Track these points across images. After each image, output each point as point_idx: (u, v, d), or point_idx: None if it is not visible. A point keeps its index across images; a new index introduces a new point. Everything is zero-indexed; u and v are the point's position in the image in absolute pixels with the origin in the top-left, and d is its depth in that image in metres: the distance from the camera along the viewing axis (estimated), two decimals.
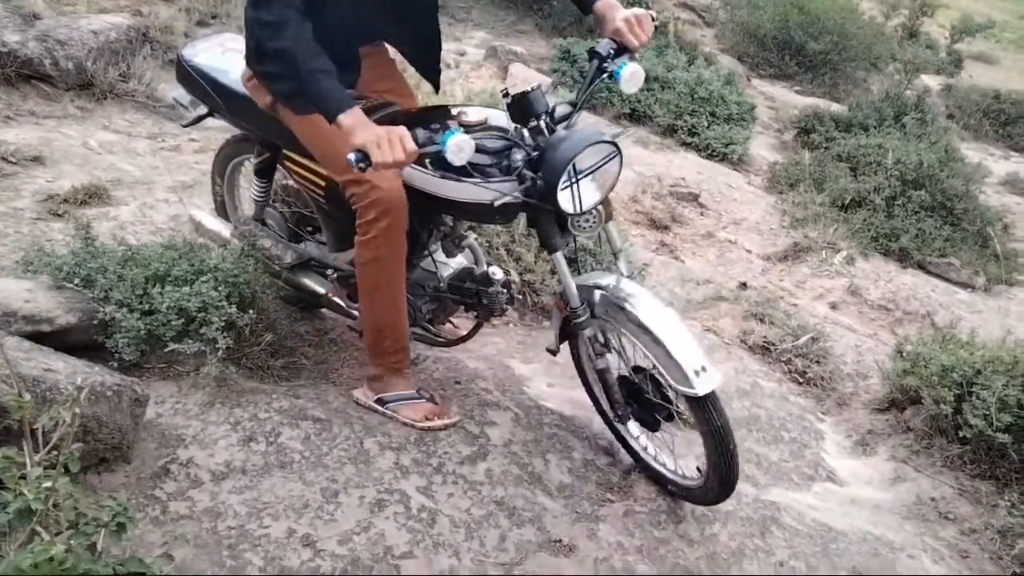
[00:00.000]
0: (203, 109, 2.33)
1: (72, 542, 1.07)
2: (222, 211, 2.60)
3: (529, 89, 1.79)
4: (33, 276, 1.99)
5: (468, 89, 4.79)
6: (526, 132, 1.80)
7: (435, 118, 1.77)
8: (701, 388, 1.75)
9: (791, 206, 4.97)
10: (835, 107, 7.18)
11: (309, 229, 2.44)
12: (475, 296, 2.17)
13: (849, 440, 2.73)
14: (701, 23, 11.74)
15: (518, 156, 1.81)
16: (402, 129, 1.61)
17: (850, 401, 2.96)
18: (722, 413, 1.82)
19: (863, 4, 12.38)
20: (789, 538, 2.12)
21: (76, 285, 1.97)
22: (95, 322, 1.92)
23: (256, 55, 1.84)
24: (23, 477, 1.10)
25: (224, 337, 1.97)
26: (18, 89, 3.54)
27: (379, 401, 2.13)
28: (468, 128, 1.81)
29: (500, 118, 1.92)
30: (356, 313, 2.23)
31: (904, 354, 2.80)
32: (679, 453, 2.14)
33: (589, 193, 1.78)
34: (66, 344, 1.86)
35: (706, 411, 1.80)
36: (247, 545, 1.63)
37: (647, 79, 1.95)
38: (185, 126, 2.50)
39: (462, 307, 2.28)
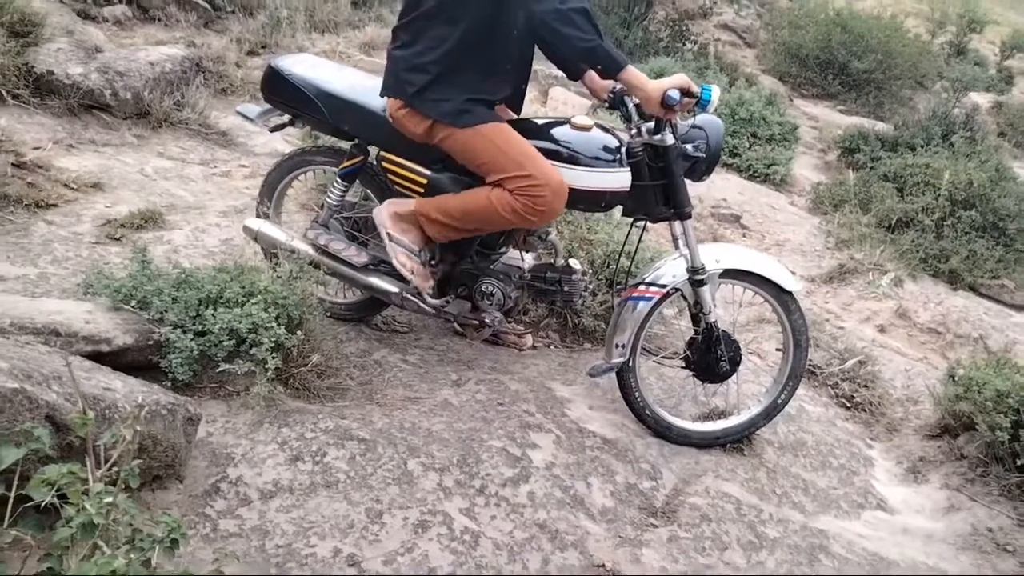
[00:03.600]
0: (284, 117, 2.54)
1: (131, 556, 1.11)
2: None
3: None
4: (93, 298, 2.07)
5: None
6: (644, 127, 2.16)
7: (554, 124, 2.25)
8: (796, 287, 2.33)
9: (836, 227, 4.89)
10: (880, 126, 7.07)
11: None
12: (556, 285, 2.42)
13: (900, 467, 2.66)
14: (742, 44, 11.70)
15: (636, 148, 2.17)
16: (683, 76, 2.05)
17: (900, 427, 2.89)
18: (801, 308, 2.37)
19: (908, 22, 12.20)
20: (838, 567, 2.07)
21: (133, 307, 2.04)
22: (150, 343, 1.99)
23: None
24: (86, 492, 1.15)
25: (273, 358, 2.02)
26: (80, 119, 3.69)
27: (388, 236, 2.33)
28: (580, 130, 2.20)
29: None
30: (429, 308, 2.41)
31: (956, 378, 2.72)
32: None
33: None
34: (123, 364, 1.93)
35: (791, 299, 2.33)
36: (294, 564, 1.66)
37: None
38: (272, 131, 2.67)
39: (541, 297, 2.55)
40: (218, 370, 2.03)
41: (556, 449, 2.23)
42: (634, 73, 2.03)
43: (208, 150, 3.91)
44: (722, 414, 2.57)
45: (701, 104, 2.09)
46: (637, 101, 2.17)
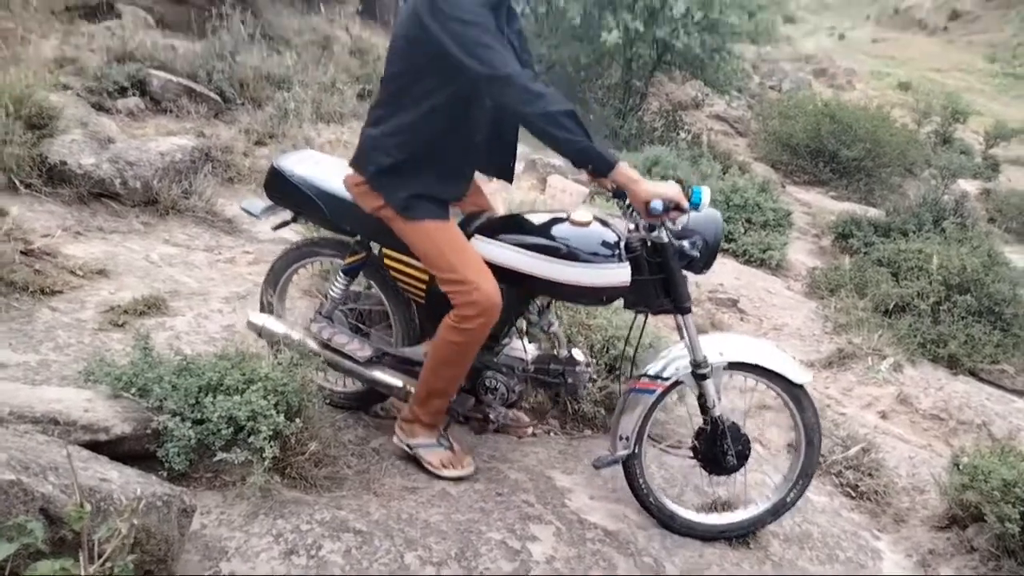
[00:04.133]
0: (287, 214, 2.59)
1: None
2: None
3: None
4: (93, 385, 2.07)
5: (509, 200, 4.96)
6: (641, 223, 2.17)
7: (553, 221, 2.26)
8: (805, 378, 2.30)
9: (833, 311, 4.93)
10: (872, 212, 7.22)
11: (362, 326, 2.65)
12: (560, 377, 2.41)
13: (909, 560, 2.59)
14: (734, 133, 12.10)
15: (634, 243, 2.19)
16: (675, 184, 2.08)
17: (907, 517, 2.83)
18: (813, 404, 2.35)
19: (894, 112, 12.64)
20: None
21: (133, 394, 2.04)
22: (148, 431, 1.98)
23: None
24: None
25: (271, 446, 2.00)
26: (89, 207, 3.78)
27: (409, 447, 2.40)
28: (579, 225, 2.21)
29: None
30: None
31: (961, 467, 2.69)
32: None
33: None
34: (120, 453, 1.91)
35: (803, 395, 2.30)
36: None
37: (683, 188, 2.22)
38: (275, 229, 2.72)
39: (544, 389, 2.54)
40: (215, 459, 2.00)
41: (556, 542, 2.18)
42: (624, 173, 2.04)
43: (213, 237, 3.98)
44: (726, 505, 2.52)
45: (692, 205, 2.11)
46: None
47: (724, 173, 7.44)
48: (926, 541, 2.65)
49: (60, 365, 2.50)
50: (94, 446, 1.84)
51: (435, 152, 2.18)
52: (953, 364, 4.37)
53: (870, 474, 2.98)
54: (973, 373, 4.37)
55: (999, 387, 4.27)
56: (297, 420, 2.12)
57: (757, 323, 4.74)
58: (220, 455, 1.99)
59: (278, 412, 2.06)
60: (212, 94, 5.64)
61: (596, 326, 3.16)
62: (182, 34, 7.07)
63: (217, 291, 3.33)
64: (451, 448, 2.42)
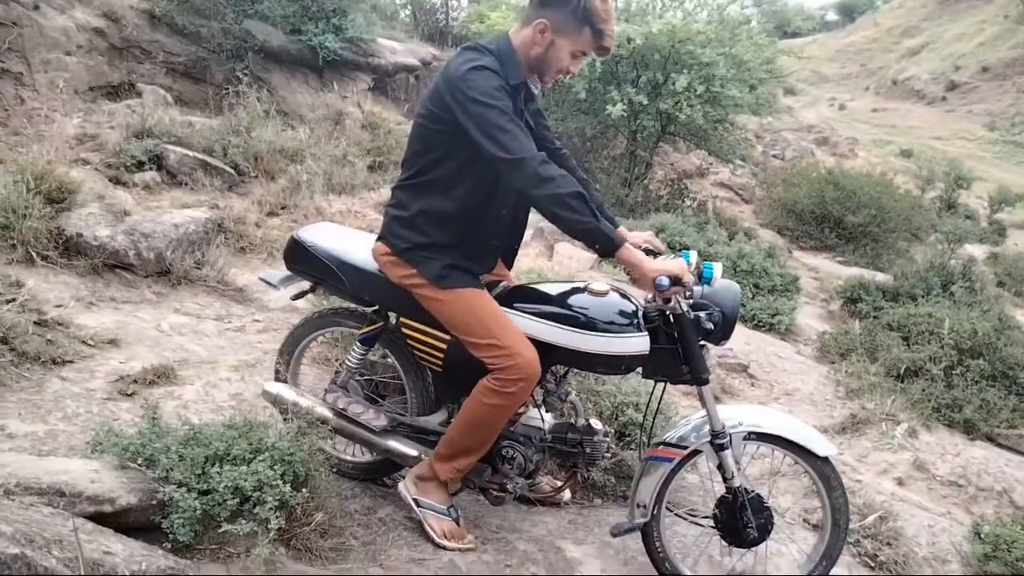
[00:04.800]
0: (305, 284, 2.62)
1: None
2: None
3: (649, 248, 2.41)
4: (100, 456, 2.07)
5: (518, 268, 5.02)
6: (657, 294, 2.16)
7: (572, 291, 2.29)
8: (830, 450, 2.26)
9: (844, 376, 4.89)
10: (880, 277, 7.23)
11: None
12: (578, 446, 2.41)
13: None
14: (739, 200, 12.25)
15: (652, 313, 2.23)
16: (681, 261, 2.15)
17: None
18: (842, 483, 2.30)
19: (897, 179, 12.79)
20: None
21: (139, 465, 2.03)
22: (154, 502, 1.96)
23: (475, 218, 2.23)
24: None
25: (276, 517, 1.98)
26: (103, 277, 3.85)
27: (415, 502, 2.39)
28: (596, 295, 2.26)
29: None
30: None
31: (983, 536, 2.62)
32: None
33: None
34: (125, 524, 1.89)
35: (831, 471, 2.26)
36: None
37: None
38: (293, 299, 2.72)
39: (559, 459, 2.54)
40: (220, 530, 1.98)
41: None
42: (629, 254, 2.08)
43: (224, 306, 4.03)
44: None
45: (704, 280, 2.16)
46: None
47: (730, 239, 7.50)
48: None
49: (68, 435, 2.51)
50: (99, 518, 1.83)
51: (467, 230, 2.25)
52: (969, 429, 4.29)
53: (889, 543, 2.89)
54: (990, 438, 4.28)
55: (1018, 452, 4.18)
56: (304, 490, 2.11)
57: (768, 388, 4.69)
58: (225, 526, 1.97)
59: (284, 482, 2.05)
60: (227, 168, 5.79)
61: (605, 392, 3.15)
62: (199, 111, 7.32)
63: (226, 359, 3.34)
64: (457, 521, 2.39)
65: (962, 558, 2.70)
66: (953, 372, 4.64)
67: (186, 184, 5.51)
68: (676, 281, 2.07)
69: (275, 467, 2.05)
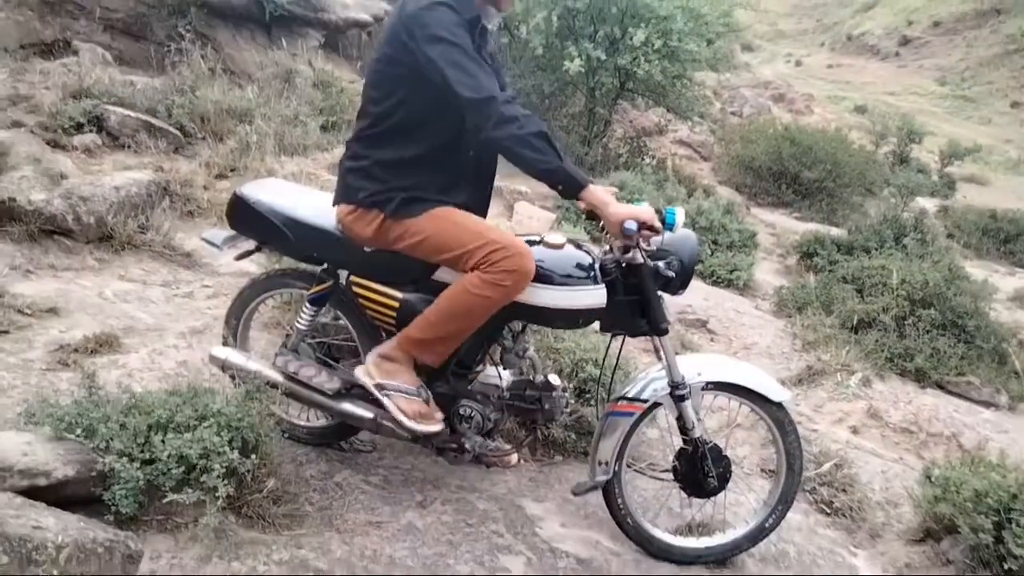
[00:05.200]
0: (249, 244, 2.48)
1: None
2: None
3: None
4: (35, 428, 1.97)
5: None
6: (615, 244, 2.15)
7: (527, 242, 2.16)
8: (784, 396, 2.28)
9: (801, 329, 4.95)
10: (835, 231, 7.33)
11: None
12: (536, 403, 2.34)
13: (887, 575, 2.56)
14: (698, 158, 12.28)
15: (609, 265, 2.17)
16: (648, 206, 2.06)
17: (883, 532, 2.80)
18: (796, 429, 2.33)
19: (852, 134, 12.94)
20: None
21: (77, 436, 1.94)
22: (93, 474, 1.88)
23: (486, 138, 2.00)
24: None
25: (225, 485, 1.91)
26: (40, 244, 3.66)
27: (379, 386, 2.20)
28: (552, 248, 2.17)
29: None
30: (406, 434, 2.28)
31: (933, 479, 2.68)
32: None
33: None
34: (62, 498, 1.81)
35: (784, 416, 2.28)
36: None
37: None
38: (237, 259, 2.59)
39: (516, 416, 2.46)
40: (165, 501, 1.91)
41: (527, 572, 2.11)
42: (595, 194, 2.02)
43: (171, 272, 3.88)
44: (702, 528, 2.48)
45: (666, 226, 2.10)
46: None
47: (689, 196, 7.51)
48: (902, 555, 2.62)
49: (3, 408, 2.39)
50: (33, 492, 1.74)
51: (432, 173, 2.14)
52: (921, 377, 4.40)
53: (844, 490, 2.95)
54: (940, 386, 4.40)
55: (966, 399, 4.30)
56: (253, 456, 2.05)
57: (727, 343, 4.73)
58: (171, 496, 1.90)
59: (232, 449, 1.98)
60: (172, 129, 5.54)
61: (564, 349, 3.12)
62: (141, 70, 6.99)
63: (174, 327, 3.23)
64: (427, 401, 2.24)
65: (913, 501, 2.76)
66: (905, 322, 4.74)
67: (129, 147, 5.26)
68: (644, 226, 2.02)
69: (222, 433, 1.98)
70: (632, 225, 1.99)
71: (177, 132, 5.56)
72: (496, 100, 1.93)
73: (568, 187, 2.01)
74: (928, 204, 11.58)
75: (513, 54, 9.18)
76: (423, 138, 2.11)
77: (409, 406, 2.19)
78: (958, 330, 4.75)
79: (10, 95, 5.34)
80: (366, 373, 2.24)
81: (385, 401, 2.20)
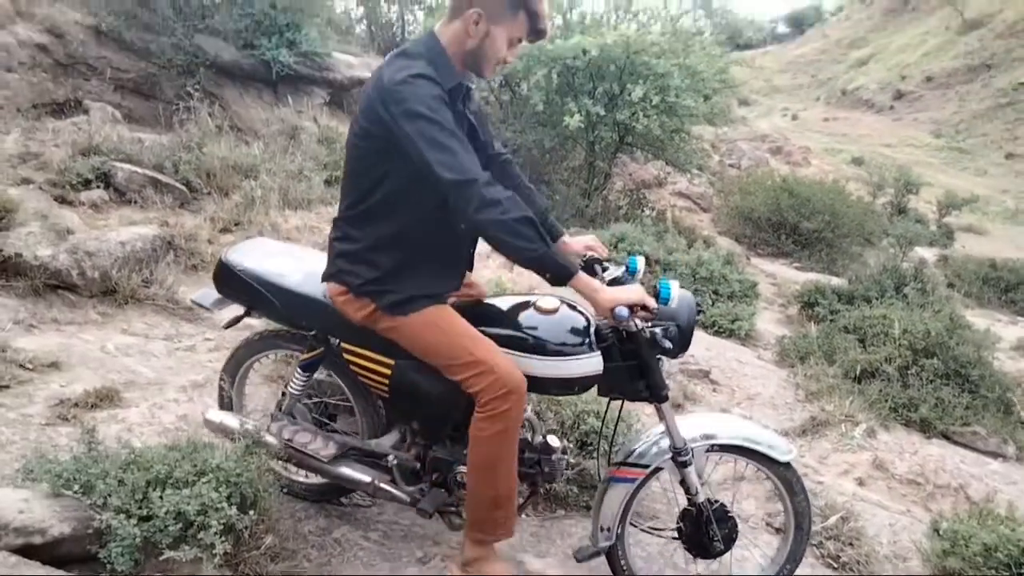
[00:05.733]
0: (239, 309, 2.46)
1: None
2: (227, 409, 2.61)
3: (593, 256, 2.35)
4: (32, 484, 1.96)
5: (479, 276, 4.97)
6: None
7: (519, 308, 2.20)
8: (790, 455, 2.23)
9: (804, 379, 4.93)
10: (835, 281, 7.35)
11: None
12: (536, 465, 2.28)
13: None
14: (697, 209, 12.40)
15: (605, 331, 2.14)
16: (639, 287, 2.04)
17: None
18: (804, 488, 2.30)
19: (849, 185, 13.09)
20: None
21: (75, 492, 1.93)
22: (90, 531, 1.86)
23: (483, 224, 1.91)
24: None
25: (222, 542, 1.89)
26: (44, 298, 3.70)
27: None
28: (545, 313, 2.15)
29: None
30: (403, 496, 2.28)
31: (941, 532, 2.64)
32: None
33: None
34: (58, 556, 1.79)
35: (793, 476, 2.25)
36: None
37: (649, 263, 2.22)
38: (226, 327, 2.57)
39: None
40: (162, 558, 1.89)
41: None
42: (584, 282, 1.96)
43: (173, 325, 3.90)
44: None
45: (660, 300, 2.03)
46: (607, 275, 2.20)
47: (689, 247, 7.56)
48: None
49: (0, 464, 2.38)
50: (28, 550, 1.72)
51: (421, 251, 2.09)
52: (926, 428, 4.36)
53: (851, 543, 2.90)
54: (946, 436, 4.36)
55: (973, 449, 4.26)
56: (251, 512, 2.03)
57: (730, 393, 4.71)
58: (168, 553, 1.88)
59: (230, 504, 1.96)
60: (178, 184, 5.64)
61: (565, 402, 3.11)
62: (149, 128, 7.15)
63: (175, 380, 3.23)
64: None
65: (922, 555, 2.72)
66: (908, 372, 4.72)
67: (135, 202, 5.36)
68: (637, 307, 1.97)
69: (220, 489, 1.96)
70: (623, 312, 1.93)
71: (183, 187, 5.66)
72: (477, 183, 1.85)
73: (556, 275, 1.93)
74: (927, 254, 11.64)
75: (514, 110, 9.37)
76: (410, 214, 2.05)
77: None
78: (962, 380, 4.73)
79: (21, 153, 5.46)
80: None
81: None
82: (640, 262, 2.18)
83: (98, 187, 5.27)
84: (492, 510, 2.11)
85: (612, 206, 9.59)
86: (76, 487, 1.94)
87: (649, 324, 2.09)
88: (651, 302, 2.00)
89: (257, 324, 3.42)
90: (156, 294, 4.04)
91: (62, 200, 4.98)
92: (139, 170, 5.47)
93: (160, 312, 3.98)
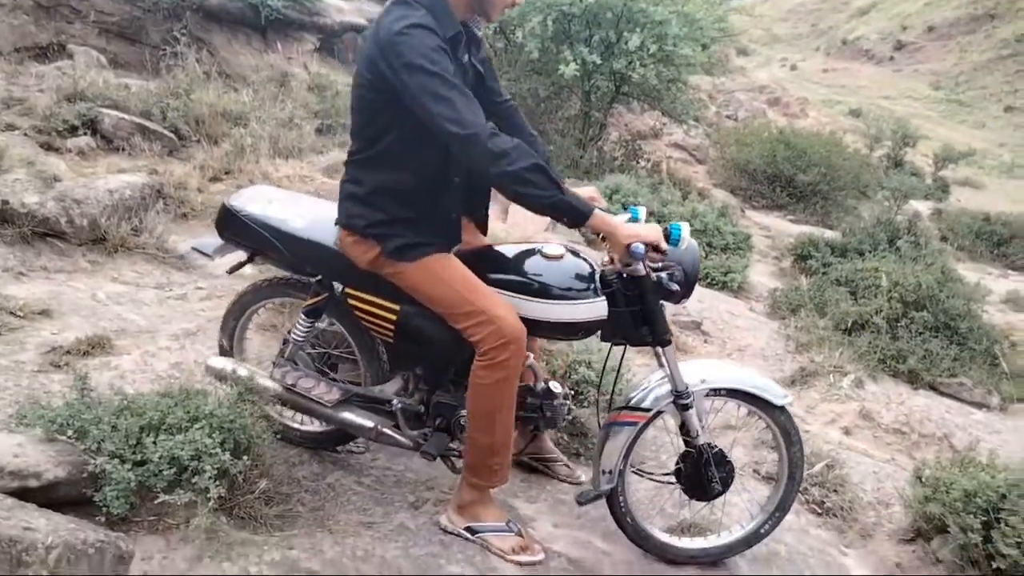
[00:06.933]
0: (242, 255, 2.47)
1: None
2: (227, 356, 2.61)
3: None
4: (26, 429, 1.97)
5: None
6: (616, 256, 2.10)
7: (524, 255, 2.21)
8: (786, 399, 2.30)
9: (794, 331, 4.97)
10: (829, 234, 7.35)
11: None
12: (538, 410, 2.31)
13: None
14: (693, 161, 12.31)
15: (610, 276, 2.15)
16: (656, 226, 2.04)
17: (874, 532, 2.81)
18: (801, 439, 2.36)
19: (846, 138, 12.98)
20: None
21: (69, 437, 1.94)
22: (85, 475, 1.88)
23: (503, 175, 1.89)
24: None
25: (216, 486, 1.91)
26: (33, 246, 3.66)
27: (469, 530, 2.20)
28: (550, 259, 2.16)
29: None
30: (406, 441, 2.31)
31: (923, 479, 2.69)
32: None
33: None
34: (53, 499, 1.81)
35: (790, 425, 2.31)
36: None
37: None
38: (230, 272, 2.57)
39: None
40: (157, 501, 1.91)
41: (519, 572, 2.11)
42: (601, 219, 1.97)
43: (164, 274, 3.88)
44: (692, 528, 2.49)
45: (671, 242, 2.04)
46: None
47: (684, 199, 7.53)
48: (892, 555, 2.63)
49: None
50: (24, 493, 1.74)
51: (424, 203, 2.11)
52: (913, 379, 4.42)
53: (835, 490, 2.96)
54: (933, 387, 4.42)
55: (958, 400, 4.32)
56: (245, 458, 2.04)
57: (721, 345, 4.74)
58: (162, 497, 1.91)
59: (224, 450, 1.98)
60: (167, 132, 5.55)
61: (558, 351, 3.13)
62: (136, 73, 7.01)
63: (166, 328, 3.23)
64: (520, 533, 2.24)
65: (904, 501, 2.78)
66: (898, 324, 4.76)
67: (123, 149, 5.28)
68: (650, 247, 1.99)
69: (213, 435, 1.98)
70: (639, 248, 1.96)
71: (172, 135, 5.57)
72: (481, 136, 1.84)
73: (573, 217, 1.94)
74: (922, 207, 11.63)
75: (508, 58, 9.20)
76: (414, 164, 2.06)
77: (504, 543, 2.19)
78: (951, 332, 4.77)
79: (4, 98, 5.35)
80: (450, 521, 2.23)
81: (484, 543, 2.19)
82: (642, 212, 2.16)
83: (85, 134, 5.18)
84: (488, 457, 2.14)
85: (607, 157, 9.51)
86: (70, 432, 1.95)
87: (657, 266, 2.12)
88: (663, 242, 2.01)
89: (253, 272, 3.40)
90: (146, 243, 4.00)
91: (48, 147, 4.90)
92: (126, 117, 5.37)
93: (151, 261, 3.96)
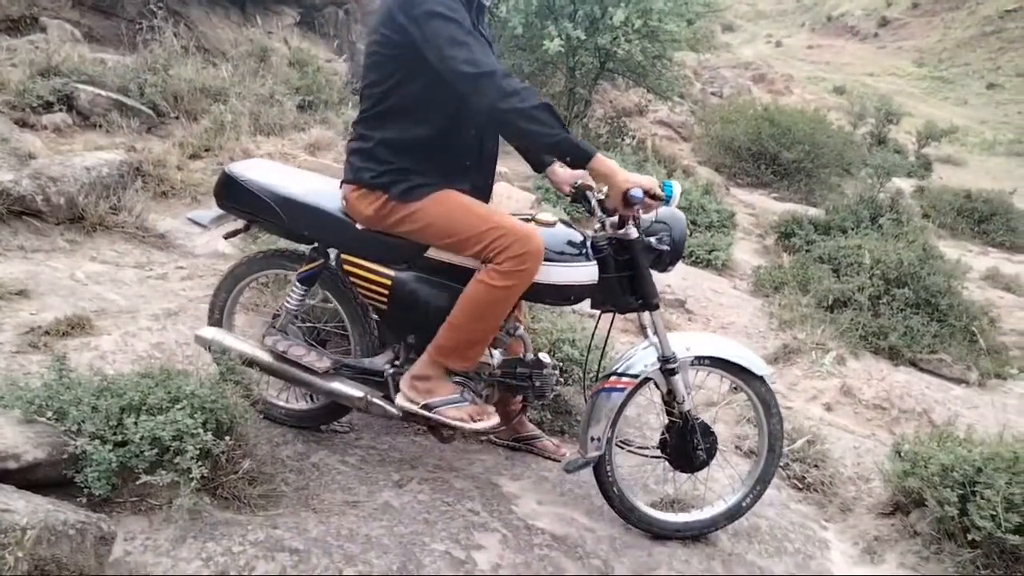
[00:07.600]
0: (238, 223, 2.49)
1: None
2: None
3: (584, 184, 2.32)
4: (4, 410, 1.94)
5: None
6: (608, 221, 2.18)
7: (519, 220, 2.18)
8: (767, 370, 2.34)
9: (778, 308, 5.00)
10: (812, 211, 7.38)
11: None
12: (527, 380, 2.33)
13: (856, 548, 2.61)
14: (678, 138, 12.28)
15: (600, 243, 2.20)
16: (652, 176, 2.09)
17: (853, 506, 2.86)
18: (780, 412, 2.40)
19: (830, 115, 13.00)
20: None
21: (48, 418, 1.92)
22: (65, 456, 1.86)
23: (513, 114, 1.96)
24: None
25: (198, 466, 1.90)
26: (9, 225, 3.60)
27: (426, 407, 2.21)
28: (544, 225, 2.20)
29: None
30: (395, 411, 2.30)
31: (902, 454, 2.73)
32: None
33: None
34: (33, 481, 1.79)
35: (770, 397, 2.35)
36: None
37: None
38: (227, 237, 2.59)
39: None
40: (139, 482, 1.90)
41: (503, 549, 2.13)
42: (603, 162, 2.01)
43: (144, 253, 3.83)
44: (675, 503, 2.51)
45: (664, 200, 2.10)
46: (600, 196, 2.21)
47: (669, 176, 7.53)
48: (871, 528, 2.68)
49: None
50: (2, 475, 1.72)
51: (433, 155, 2.14)
52: (894, 355, 4.47)
53: (816, 465, 3.00)
54: (913, 363, 4.48)
55: (938, 376, 4.38)
56: (227, 438, 2.03)
57: (705, 322, 4.77)
58: (144, 478, 1.89)
59: (206, 430, 1.97)
60: (144, 108, 5.45)
61: (542, 330, 3.13)
62: (112, 48, 6.85)
63: (147, 308, 3.19)
64: (474, 401, 2.26)
65: (883, 475, 2.82)
66: (880, 301, 4.81)
67: (100, 126, 5.17)
68: (648, 194, 2.04)
69: (195, 415, 1.96)
70: (638, 193, 2.00)
71: (150, 111, 5.47)
72: (496, 74, 1.93)
73: (576, 157, 2.01)
74: (904, 184, 11.69)
75: (492, 34, 9.09)
76: (424, 120, 2.11)
77: (460, 413, 2.21)
78: (931, 309, 4.83)
79: None
80: (406, 399, 2.24)
81: (436, 419, 2.21)
82: (676, 188, 2.15)
83: (60, 110, 5.07)
84: (464, 348, 2.18)
85: (592, 134, 9.46)
86: (49, 414, 1.93)
87: (648, 227, 2.21)
88: (660, 191, 2.07)
89: (233, 252, 3.36)
90: (125, 221, 3.94)
91: (22, 123, 4.79)
92: (103, 92, 5.26)
93: (130, 240, 3.90)
